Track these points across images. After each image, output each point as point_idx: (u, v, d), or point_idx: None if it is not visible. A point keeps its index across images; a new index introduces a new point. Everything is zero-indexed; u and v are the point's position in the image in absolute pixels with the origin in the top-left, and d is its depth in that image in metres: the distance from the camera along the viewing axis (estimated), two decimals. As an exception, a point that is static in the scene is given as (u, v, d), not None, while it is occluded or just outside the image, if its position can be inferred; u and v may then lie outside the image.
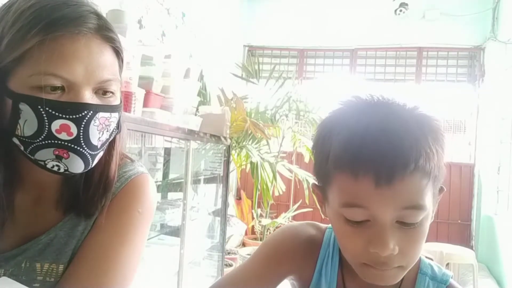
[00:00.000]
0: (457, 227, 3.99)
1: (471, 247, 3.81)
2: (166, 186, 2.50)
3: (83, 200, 0.64)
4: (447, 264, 2.86)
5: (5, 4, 0.58)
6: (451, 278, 0.62)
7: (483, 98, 3.92)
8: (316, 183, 0.60)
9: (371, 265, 0.52)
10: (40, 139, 0.55)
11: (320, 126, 0.58)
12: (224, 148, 2.63)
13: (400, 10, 3.98)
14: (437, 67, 4.21)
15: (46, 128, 0.54)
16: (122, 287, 0.61)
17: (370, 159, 0.48)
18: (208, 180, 2.73)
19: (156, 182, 2.15)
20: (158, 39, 2.89)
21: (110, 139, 0.62)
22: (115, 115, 0.60)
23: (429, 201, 0.50)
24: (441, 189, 0.55)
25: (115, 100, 0.61)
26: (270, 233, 3.56)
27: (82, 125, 0.55)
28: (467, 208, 4.00)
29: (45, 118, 0.54)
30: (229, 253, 3.37)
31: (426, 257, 0.64)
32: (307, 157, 3.47)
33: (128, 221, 0.65)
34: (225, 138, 2.49)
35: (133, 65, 1.62)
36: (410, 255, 0.52)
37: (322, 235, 0.67)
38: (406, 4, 3.96)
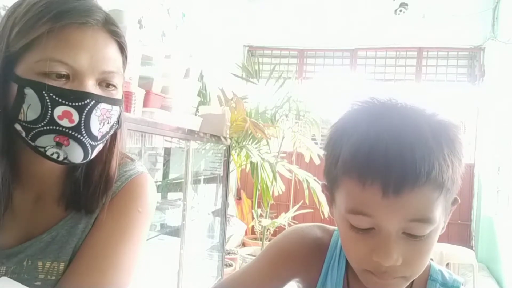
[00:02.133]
0: (457, 227, 3.99)
1: (471, 247, 3.81)
2: (166, 186, 2.50)
3: (84, 196, 0.64)
4: (447, 264, 2.86)
5: (17, 1, 0.60)
6: (462, 285, 0.61)
7: (483, 98, 3.92)
8: (326, 183, 0.59)
9: (373, 273, 0.51)
10: (42, 124, 0.56)
11: (333, 127, 0.56)
12: (224, 148, 2.63)
13: (400, 10, 3.97)
14: (437, 67, 4.21)
15: (49, 114, 0.55)
16: (122, 285, 0.62)
17: (378, 168, 0.46)
18: (208, 180, 2.73)
19: (156, 182, 2.15)
20: (158, 39, 2.89)
21: (111, 132, 0.63)
22: (116, 108, 0.62)
23: (439, 214, 0.49)
24: (454, 201, 0.53)
25: (117, 94, 0.62)
26: (270, 233, 3.56)
27: (84, 113, 0.56)
28: (467, 208, 4.00)
29: (49, 103, 0.55)
30: (229, 253, 3.37)
31: None
32: (307, 157, 3.47)
33: (128, 220, 0.66)
34: (225, 138, 2.49)
35: (133, 65, 1.62)
36: (415, 266, 0.50)
37: (330, 237, 0.66)
38: (406, 4, 3.96)
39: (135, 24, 2.56)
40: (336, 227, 0.66)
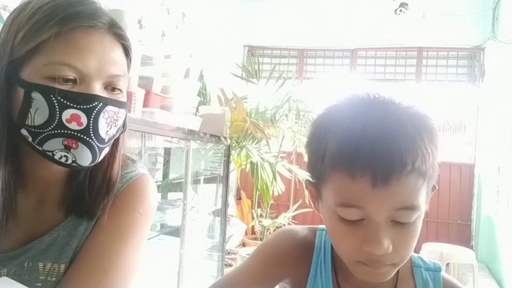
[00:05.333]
0: (457, 227, 3.99)
1: (471, 247, 3.80)
2: (166, 186, 2.50)
3: (86, 201, 0.64)
4: (447, 264, 2.86)
5: (20, 5, 0.60)
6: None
7: (483, 98, 3.92)
8: (310, 179, 0.59)
9: (365, 263, 0.52)
10: (50, 128, 0.55)
11: (315, 124, 0.57)
12: (224, 148, 2.63)
13: (400, 10, 3.97)
14: (437, 67, 4.21)
15: (57, 117, 0.55)
16: (123, 287, 0.61)
17: (367, 160, 0.48)
18: (208, 180, 2.73)
19: (156, 182, 2.14)
20: (158, 39, 2.89)
21: (117, 135, 0.63)
22: (122, 111, 0.62)
23: (423, 201, 0.51)
24: (433, 188, 0.55)
25: (123, 98, 0.62)
26: (270, 233, 3.56)
27: (92, 116, 0.56)
28: (467, 208, 4.00)
29: (57, 107, 0.55)
30: (229, 253, 3.37)
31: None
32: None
33: (130, 222, 0.66)
34: (225, 138, 2.49)
35: (133, 65, 1.62)
36: (403, 253, 0.52)
37: (315, 237, 0.66)
38: (406, 4, 3.95)
39: (135, 24, 2.56)
40: (319, 226, 0.68)
